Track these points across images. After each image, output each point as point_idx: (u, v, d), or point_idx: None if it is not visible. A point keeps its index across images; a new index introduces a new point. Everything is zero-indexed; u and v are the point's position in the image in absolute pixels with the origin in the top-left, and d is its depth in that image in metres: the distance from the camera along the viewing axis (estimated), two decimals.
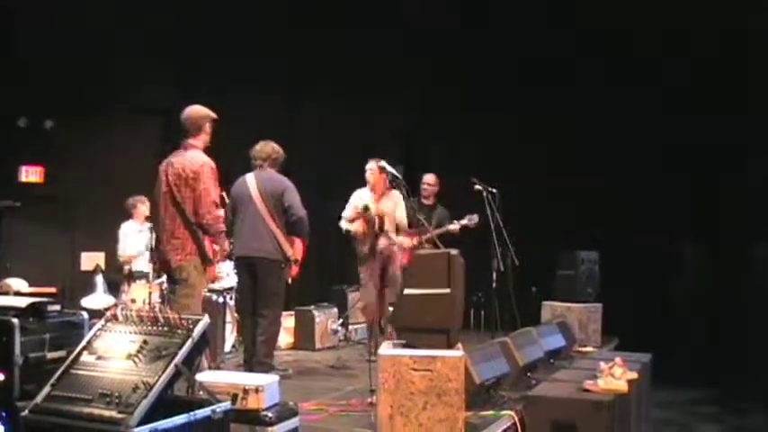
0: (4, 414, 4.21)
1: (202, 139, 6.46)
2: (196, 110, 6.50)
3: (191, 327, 4.05)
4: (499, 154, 11.24)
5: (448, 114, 12.01)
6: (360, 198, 8.52)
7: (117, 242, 9.54)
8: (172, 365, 3.85)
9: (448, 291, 5.52)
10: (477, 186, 8.54)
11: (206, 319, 4.13)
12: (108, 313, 4.28)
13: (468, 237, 8.91)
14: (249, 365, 7.30)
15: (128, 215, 9.66)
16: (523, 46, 11.34)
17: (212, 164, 6.34)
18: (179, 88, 10.98)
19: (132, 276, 9.01)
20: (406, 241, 8.59)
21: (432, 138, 12.38)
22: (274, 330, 7.52)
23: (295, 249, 7.57)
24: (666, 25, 10.74)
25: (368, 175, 8.50)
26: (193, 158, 6.30)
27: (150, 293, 8.50)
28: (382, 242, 8.26)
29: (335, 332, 9.79)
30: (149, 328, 4.11)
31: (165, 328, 4.08)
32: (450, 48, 11.84)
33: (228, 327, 8.74)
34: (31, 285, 8.80)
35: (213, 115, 6.52)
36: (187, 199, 6.21)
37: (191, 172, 6.22)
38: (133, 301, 8.57)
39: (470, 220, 8.90)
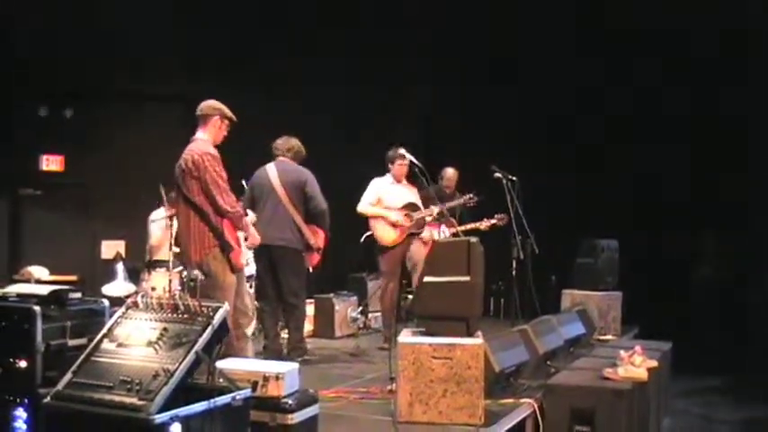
0: (26, 401, 4.24)
1: (210, 132, 6.31)
2: (207, 103, 6.39)
3: (211, 314, 4.06)
4: (518, 140, 11.20)
5: (466, 100, 11.96)
6: (382, 187, 8.71)
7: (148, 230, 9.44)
8: (192, 353, 3.86)
9: (468, 279, 5.51)
10: (497, 174, 8.52)
11: (226, 307, 4.14)
12: (128, 301, 4.29)
13: None
14: (271, 352, 7.38)
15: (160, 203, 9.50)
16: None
17: (213, 152, 6.21)
18: (197, 75, 11.00)
19: (152, 264, 9.02)
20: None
21: (449, 124, 12.33)
22: (303, 318, 7.86)
23: (317, 238, 7.63)
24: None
25: (401, 167, 8.61)
26: (193, 150, 6.21)
27: (170, 281, 8.52)
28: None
29: (355, 320, 9.80)
30: (169, 315, 4.12)
31: (186, 316, 4.09)
32: (469, 29, 11.81)
33: None
34: (52, 273, 8.83)
35: (227, 111, 6.36)
36: (194, 191, 6.12)
37: (191, 164, 6.11)
38: (153, 288, 8.58)
39: (500, 219, 8.91)
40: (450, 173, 9.65)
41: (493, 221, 9.00)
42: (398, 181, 8.77)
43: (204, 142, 6.28)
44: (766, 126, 10.42)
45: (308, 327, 9.44)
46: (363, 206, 8.66)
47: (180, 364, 3.80)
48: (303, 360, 7.19)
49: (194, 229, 6.18)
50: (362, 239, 9.00)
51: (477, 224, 9.04)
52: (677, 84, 10.69)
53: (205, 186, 6.10)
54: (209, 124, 6.32)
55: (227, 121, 6.39)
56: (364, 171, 8.97)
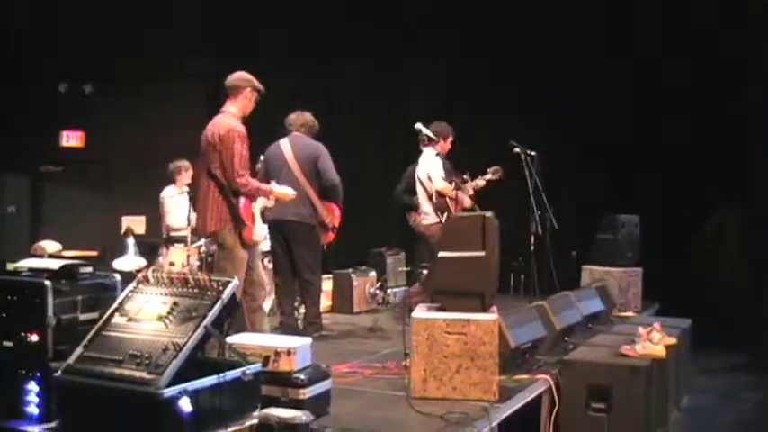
0: (38, 374, 4.26)
1: (240, 104, 6.31)
2: (237, 74, 6.38)
3: (220, 288, 4.06)
4: (536, 116, 11.07)
5: (484, 76, 11.84)
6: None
7: (160, 208, 9.48)
8: (201, 327, 3.87)
9: (482, 254, 5.46)
10: (516, 149, 8.43)
11: (235, 281, 4.14)
12: (139, 275, 4.30)
13: (506, 199, 8.79)
14: (287, 328, 7.38)
15: (170, 180, 9.57)
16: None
17: (240, 128, 6.20)
18: (221, 53, 10.99)
19: (170, 240, 9.05)
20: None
21: (467, 101, 12.22)
22: (319, 293, 7.82)
23: (333, 216, 7.58)
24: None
25: (450, 144, 8.43)
26: (220, 123, 6.21)
27: (188, 257, 8.55)
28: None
29: (374, 296, 9.80)
30: (180, 289, 4.13)
31: (196, 290, 4.10)
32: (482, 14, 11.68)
33: None
34: (72, 249, 8.90)
35: (256, 83, 6.35)
36: (215, 163, 6.14)
37: (216, 137, 6.13)
38: (172, 264, 8.61)
39: (494, 172, 8.74)
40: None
41: (488, 177, 8.72)
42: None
43: (233, 116, 6.29)
44: None
45: (326, 302, 9.44)
46: (443, 183, 8.09)
47: (189, 338, 3.82)
48: (320, 336, 7.20)
49: (213, 200, 6.22)
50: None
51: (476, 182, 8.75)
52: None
53: (224, 161, 6.12)
54: (240, 97, 6.33)
55: (256, 94, 6.40)
56: (381, 150, 8.88)
